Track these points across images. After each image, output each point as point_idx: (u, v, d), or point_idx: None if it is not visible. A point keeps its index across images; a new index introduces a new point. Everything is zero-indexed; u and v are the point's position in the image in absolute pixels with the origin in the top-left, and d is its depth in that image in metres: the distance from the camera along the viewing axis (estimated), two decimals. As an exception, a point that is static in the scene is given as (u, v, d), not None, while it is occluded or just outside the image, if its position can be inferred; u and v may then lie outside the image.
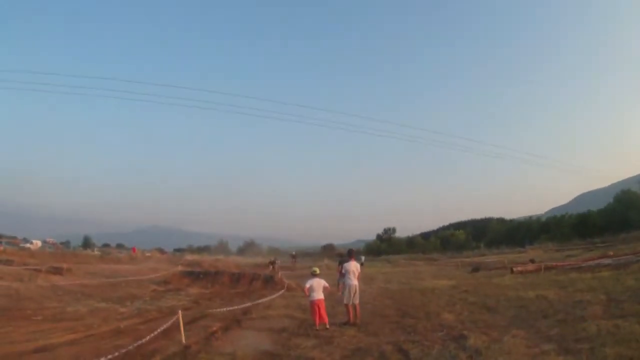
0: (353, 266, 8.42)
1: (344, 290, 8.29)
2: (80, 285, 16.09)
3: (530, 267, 17.91)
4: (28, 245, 41.40)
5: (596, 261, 16.70)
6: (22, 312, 10.22)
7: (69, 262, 23.99)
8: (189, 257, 47.59)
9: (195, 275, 22.27)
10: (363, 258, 38.62)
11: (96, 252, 45.53)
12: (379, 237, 78.94)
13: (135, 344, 6.01)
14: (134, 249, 52.79)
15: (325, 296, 8.05)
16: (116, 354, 5.42)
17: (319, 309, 7.79)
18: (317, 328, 7.64)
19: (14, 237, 50.30)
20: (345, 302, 8.21)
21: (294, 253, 51.46)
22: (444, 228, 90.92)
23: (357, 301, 8.23)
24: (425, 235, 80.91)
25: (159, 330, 6.59)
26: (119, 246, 78.72)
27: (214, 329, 7.91)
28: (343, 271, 8.62)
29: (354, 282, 8.25)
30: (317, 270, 8.38)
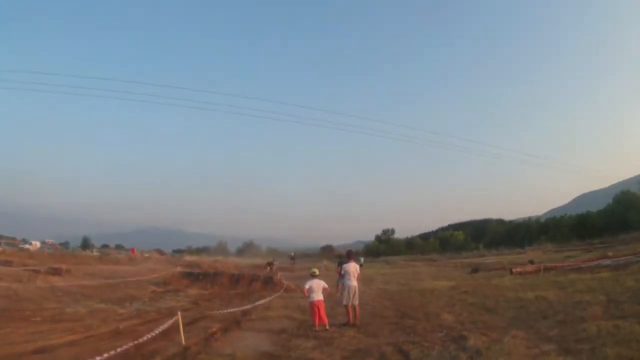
0: (352, 267, 8.42)
1: (343, 291, 8.29)
2: (79, 286, 16.05)
3: (530, 268, 17.92)
4: (27, 246, 41.28)
5: (595, 262, 16.73)
6: (21, 313, 10.18)
7: (68, 263, 23.89)
8: (188, 258, 47.61)
9: (195, 276, 22.25)
10: (362, 259, 38.67)
11: (95, 253, 45.40)
12: (377, 238, 79.00)
13: (135, 345, 5.99)
14: (132, 250, 52.74)
15: (324, 297, 8.04)
16: (113, 353, 5.38)
17: (318, 310, 7.78)
18: (317, 329, 7.63)
19: (13, 238, 50.14)
20: (344, 303, 8.20)
21: (292, 254, 51.51)
22: (443, 229, 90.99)
23: (356, 302, 8.23)
24: (424, 236, 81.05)
25: (158, 331, 6.57)
26: (118, 247, 78.53)
27: (214, 330, 7.89)
28: (342, 272, 8.62)
29: (353, 283, 8.25)
30: (317, 272, 8.39)
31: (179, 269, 26.85)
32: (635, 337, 5.07)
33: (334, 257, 52.29)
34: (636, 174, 78.72)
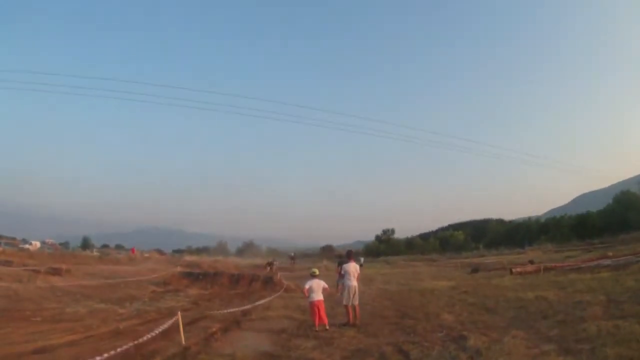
0: (352, 267, 8.42)
1: (343, 291, 8.29)
2: (79, 286, 16.05)
3: (530, 268, 17.92)
4: (27, 246, 41.30)
5: (595, 262, 16.73)
6: (21, 313, 10.18)
7: (68, 263, 23.89)
8: (188, 258, 47.62)
9: (195, 276, 22.25)
10: (362, 259, 38.66)
11: (95, 253, 45.40)
12: (377, 238, 78.97)
13: (135, 345, 5.99)
14: (132, 250, 52.76)
15: (324, 297, 8.05)
16: (114, 353, 5.38)
17: (318, 310, 7.79)
18: (317, 329, 7.63)
19: (13, 238, 50.16)
20: (344, 303, 8.21)
21: (292, 254, 51.50)
22: (443, 229, 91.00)
23: (356, 302, 8.23)
24: (424, 236, 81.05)
25: (158, 331, 6.57)
26: (118, 247, 78.57)
27: (214, 330, 7.89)
28: (342, 272, 8.63)
29: (353, 283, 8.25)
30: (317, 272, 8.39)
31: (179, 269, 26.86)
32: (635, 337, 5.07)
33: (334, 257, 52.29)
34: (636, 174, 78.81)
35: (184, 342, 6.49)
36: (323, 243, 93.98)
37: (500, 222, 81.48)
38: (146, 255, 49.08)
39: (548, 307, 8.14)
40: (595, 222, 49.19)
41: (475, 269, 24.19)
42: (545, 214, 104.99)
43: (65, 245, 66.40)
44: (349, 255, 9.26)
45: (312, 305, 7.84)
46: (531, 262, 21.37)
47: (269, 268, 31.24)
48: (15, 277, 16.40)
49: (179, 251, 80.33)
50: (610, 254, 19.60)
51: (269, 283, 19.44)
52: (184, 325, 7.01)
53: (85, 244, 71.75)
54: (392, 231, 78.61)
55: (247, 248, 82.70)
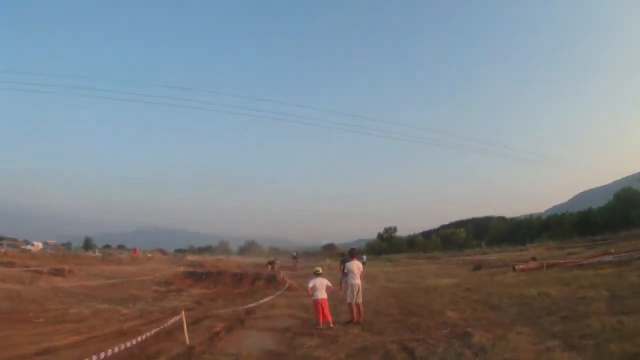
0: (355, 266, 8.43)
1: (347, 290, 8.31)
2: (82, 287, 16.09)
3: (533, 265, 17.89)
4: (29, 247, 41.49)
5: (598, 259, 16.69)
6: (24, 315, 10.20)
7: (70, 263, 23.94)
8: (191, 257, 47.69)
9: (198, 276, 22.29)
10: (365, 257, 38.61)
11: (98, 254, 45.52)
12: (380, 236, 78.83)
13: (139, 345, 6.00)
14: (135, 250, 52.93)
15: (328, 296, 8.05)
16: (117, 350, 5.39)
17: (322, 308, 7.80)
18: (321, 327, 7.64)
19: (15, 240, 50.37)
20: (348, 301, 8.22)
21: (295, 254, 51.47)
22: (445, 227, 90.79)
23: (360, 300, 8.23)
24: (427, 234, 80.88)
25: (160, 329, 6.57)
26: (121, 247, 78.87)
27: (218, 329, 7.90)
28: (346, 271, 8.64)
29: (357, 281, 8.25)
30: (320, 270, 8.40)
31: (181, 269, 26.89)
32: (639, 333, 5.07)
33: (337, 255, 52.24)
34: (637, 171, 78.73)
35: (188, 342, 6.50)
36: (325, 242, 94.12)
37: (502, 219, 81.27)
38: (149, 255, 49.23)
39: (552, 304, 8.13)
40: (596, 220, 49.04)
41: (478, 267, 24.14)
42: (547, 211, 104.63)
43: (67, 246, 66.58)
44: (352, 253, 9.26)
45: (316, 303, 7.85)
46: (534, 259, 21.33)
47: (270, 267, 31.25)
48: (18, 278, 16.43)
49: (181, 251, 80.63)
50: (612, 250, 19.57)
51: (272, 282, 19.43)
52: (188, 325, 7.03)
53: (88, 245, 71.93)
54: (395, 229, 78.48)
55: (249, 247, 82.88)
